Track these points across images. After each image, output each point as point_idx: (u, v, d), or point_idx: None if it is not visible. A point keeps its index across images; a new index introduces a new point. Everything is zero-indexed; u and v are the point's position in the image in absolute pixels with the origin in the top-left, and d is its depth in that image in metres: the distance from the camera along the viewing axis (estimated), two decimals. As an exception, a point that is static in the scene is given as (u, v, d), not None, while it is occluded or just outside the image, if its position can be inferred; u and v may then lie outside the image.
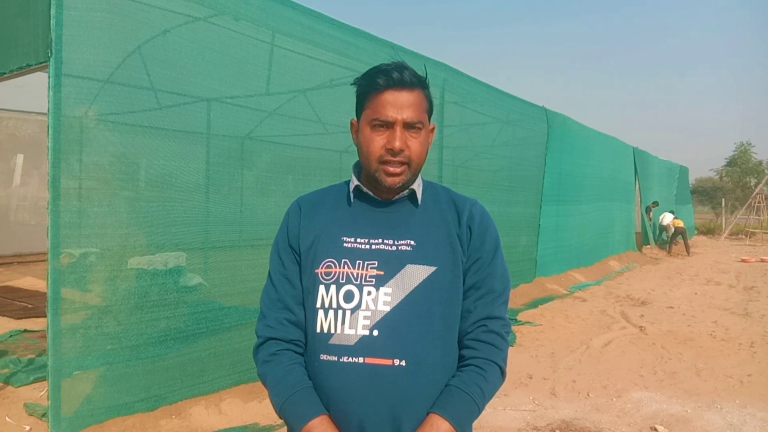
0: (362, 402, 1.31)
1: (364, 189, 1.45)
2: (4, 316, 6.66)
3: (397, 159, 1.36)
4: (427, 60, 6.55)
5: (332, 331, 1.35)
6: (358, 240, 1.39)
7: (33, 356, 5.13)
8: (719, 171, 36.81)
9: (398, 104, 1.35)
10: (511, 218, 8.86)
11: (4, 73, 3.91)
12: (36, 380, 4.55)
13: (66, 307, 3.48)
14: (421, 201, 1.46)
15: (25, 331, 6.04)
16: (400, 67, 1.37)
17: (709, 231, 27.91)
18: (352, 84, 1.47)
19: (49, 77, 3.39)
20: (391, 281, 1.35)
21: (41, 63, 3.52)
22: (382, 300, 1.33)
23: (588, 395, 4.88)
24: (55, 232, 3.39)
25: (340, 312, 1.34)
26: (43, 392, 4.26)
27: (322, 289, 1.37)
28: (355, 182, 1.46)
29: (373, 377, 1.31)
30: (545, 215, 10.01)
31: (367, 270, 1.36)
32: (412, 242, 1.39)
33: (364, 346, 1.31)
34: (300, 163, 5.75)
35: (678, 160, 24.95)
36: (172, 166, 4.34)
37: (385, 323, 1.32)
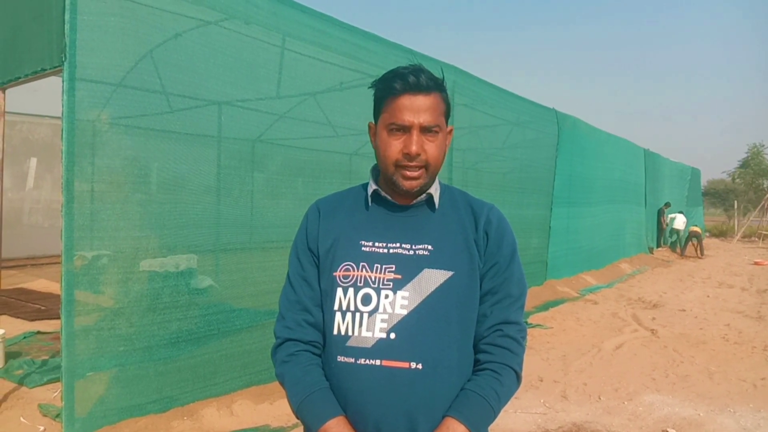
0: (379, 403, 1.32)
1: (383, 193, 1.46)
2: (18, 317, 6.71)
3: (414, 163, 1.36)
4: (437, 63, 6.56)
5: (349, 333, 1.36)
6: (377, 244, 1.41)
7: (46, 357, 5.17)
8: (732, 173, 36.53)
9: (414, 108, 1.35)
10: (521, 220, 8.84)
11: (19, 78, 3.96)
12: (50, 381, 4.58)
13: (79, 309, 3.51)
14: (439, 205, 1.46)
15: (39, 332, 6.09)
16: (417, 70, 1.38)
17: (721, 233, 27.68)
18: (369, 87, 1.47)
19: (63, 81, 3.43)
20: (409, 285, 1.36)
21: (55, 67, 3.57)
22: (399, 303, 1.34)
23: (599, 398, 4.86)
24: (68, 234, 3.43)
25: (357, 315, 1.36)
26: (56, 393, 4.30)
27: (339, 291, 1.39)
28: (373, 186, 1.47)
29: (390, 379, 1.32)
30: (556, 217, 9.97)
31: (384, 274, 1.37)
32: (430, 247, 1.40)
33: (381, 348, 1.33)
34: (310, 165, 5.77)
35: (690, 162, 24.78)
36: (183, 169, 4.37)
37: (402, 326, 1.33)
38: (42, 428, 3.80)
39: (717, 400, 4.83)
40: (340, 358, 1.37)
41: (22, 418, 3.94)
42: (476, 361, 1.42)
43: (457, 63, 7.57)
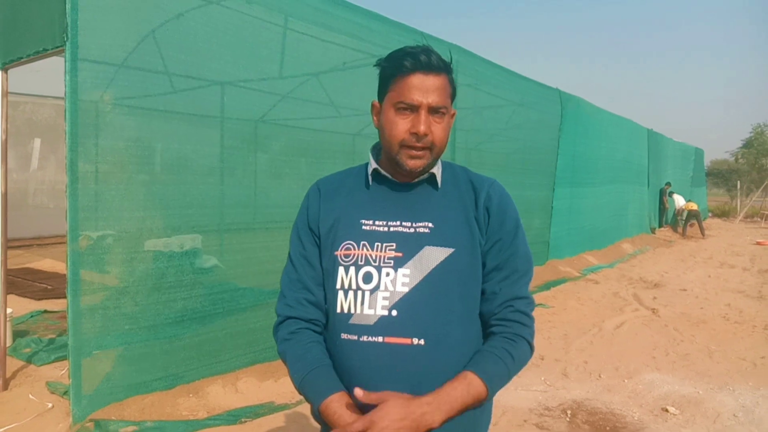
0: (383, 380, 1.33)
1: (383, 172, 1.46)
2: (25, 297, 6.79)
3: (420, 144, 1.36)
4: (440, 42, 6.52)
5: (352, 311, 1.38)
6: (377, 222, 1.42)
7: (53, 336, 5.24)
8: (735, 153, 36.35)
9: (424, 88, 1.35)
10: (524, 201, 8.83)
11: (21, 58, 3.95)
12: (57, 359, 4.65)
13: (85, 289, 3.56)
14: (441, 183, 1.47)
15: (45, 311, 6.17)
16: (427, 50, 1.37)
17: (723, 213, 27.63)
18: (375, 65, 1.45)
19: (65, 62, 3.42)
20: (410, 263, 1.37)
21: (57, 48, 3.56)
22: (400, 281, 1.36)
23: (600, 376, 4.91)
24: (73, 215, 3.45)
25: (359, 293, 1.38)
26: (64, 371, 4.36)
27: (341, 270, 1.40)
28: (373, 165, 1.47)
29: (393, 356, 1.34)
30: (558, 198, 9.97)
31: (385, 252, 1.38)
32: (430, 224, 1.41)
33: (383, 325, 1.35)
34: (313, 146, 5.77)
35: (693, 142, 24.67)
36: (186, 149, 4.39)
37: (404, 303, 1.35)
38: (50, 405, 3.87)
39: (716, 378, 4.88)
40: (344, 336, 1.39)
41: (30, 395, 4.01)
42: (489, 335, 1.44)
43: (461, 44, 7.52)
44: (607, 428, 3.94)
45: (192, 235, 4.38)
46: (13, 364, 4.52)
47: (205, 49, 4.40)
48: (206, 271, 4.41)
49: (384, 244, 1.39)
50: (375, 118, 1.47)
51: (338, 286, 1.41)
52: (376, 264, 1.38)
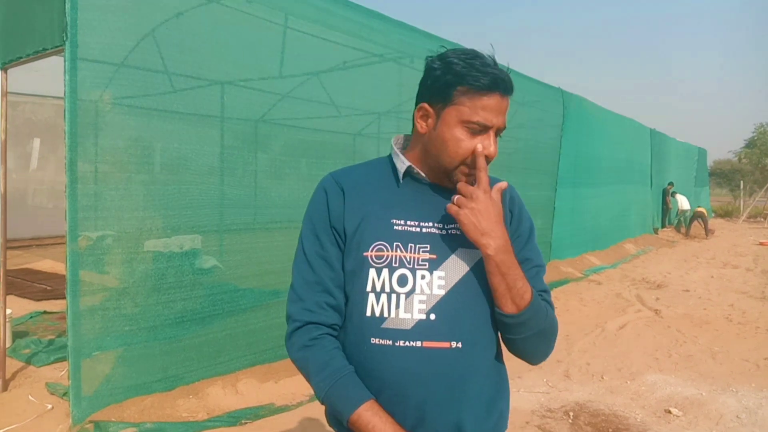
0: (421, 385, 1.30)
1: (416, 170, 1.40)
2: (24, 297, 6.77)
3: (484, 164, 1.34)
4: (442, 41, 6.48)
5: (385, 314, 1.32)
6: (408, 222, 1.37)
7: (53, 337, 5.23)
8: (738, 153, 36.26)
9: (499, 109, 1.31)
10: (526, 201, 8.56)
11: (21, 58, 3.94)
12: (56, 360, 4.64)
13: (85, 289, 3.54)
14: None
15: (45, 312, 6.15)
16: (502, 69, 1.32)
17: (726, 214, 27.57)
18: (429, 64, 1.36)
19: (64, 61, 3.40)
20: (444, 264, 1.34)
21: (57, 47, 3.54)
22: (436, 284, 1.32)
23: (602, 378, 4.88)
24: (72, 215, 3.44)
25: (393, 296, 1.32)
26: (63, 372, 4.35)
27: (372, 272, 1.34)
28: (405, 163, 1.41)
29: (431, 360, 1.30)
30: (560, 198, 9.94)
31: (419, 254, 1.34)
32: None
33: (421, 330, 1.30)
34: (314, 146, 5.75)
35: (696, 142, 24.62)
36: (186, 149, 4.36)
37: (441, 307, 1.32)
38: (50, 406, 3.85)
39: (719, 379, 4.85)
40: (375, 341, 1.32)
41: (30, 396, 3.99)
42: None
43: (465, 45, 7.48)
44: (610, 430, 3.91)
45: (192, 236, 4.36)
46: (12, 365, 4.51)
47: (206, 48, 4.38)
48: (206, 272, 4.39)
49: (418, 246, 1.34)
50: (422, 121, 1.39)
51: (369, 288, 1.34)
52: (411, 266, 1.33)
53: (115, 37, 3.76)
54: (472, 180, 1.34)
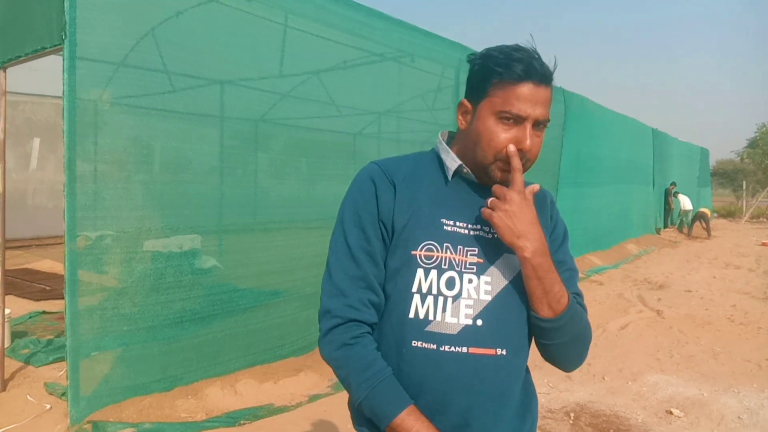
0: (466, 391, 1.27)
1: (466, 170, 1.35)
2: (24, 297, 6.76)
3: (520, 159, 1.28)
4: (443, 41, 6.47)
5: (430, 317, 1.28)
6: (458, 224, 1.32)
7: (52, 337, 5.22)
8: (740, 153, 36.19)
9: (534, 99, 1.25)
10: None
11: (20, 57, 3.92)
12: (55, 360, 4.63)
13: (83, 289, 3.52)
14: None
15: (44, 312, 6.14)
16: (539, 57, 1.26)
17: (729, 214, 27.52)
18: (467, 61, 1.34)
19: (63, 60, 3.39)
20: (490, 269, 1.31)
21: (56, 46, 3.52)
22: (483, 289, 1.29)
23: (603, 378, 4.86)
24: (71, 215, 3.42)
25: (440, 299, 1.28)
26: (62, 372, 4.33)
27: (420, 272, 1.29)
28: (456, 161, 1.36)
29: (477, 367, 1.28)
30: (562, 198, 9.91)
31: (467, 257, 1.30)
32: None
33: (468, 335, 1.27)
34: (314, 145, 5.74)
35: (698, 142, 24.59)
36: (185, 148, 4.36)
37: (488, 313, 1.29)
38: (48, 406, 3.84)
39: (721, 380, 4.83)
40: (416, 343, 1.28)
41: (28, 396, 3.98)
42: None
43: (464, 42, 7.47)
44: (611, 431, 3.89)
45: (191, 236, 4.35)
46: (11, 365, 4.50)
47: (205, 47, 4.37)
48: (205, 272, 4.37)
49: (466, 249, 1.31)
50: (461, 117, 1.36)
51: (414, 289, 1.29)
52: (459, 269, 1.29)
53: (114, 35, 3.75)
54: (508, 176, 1.29)
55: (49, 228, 11.14)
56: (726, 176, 37.76)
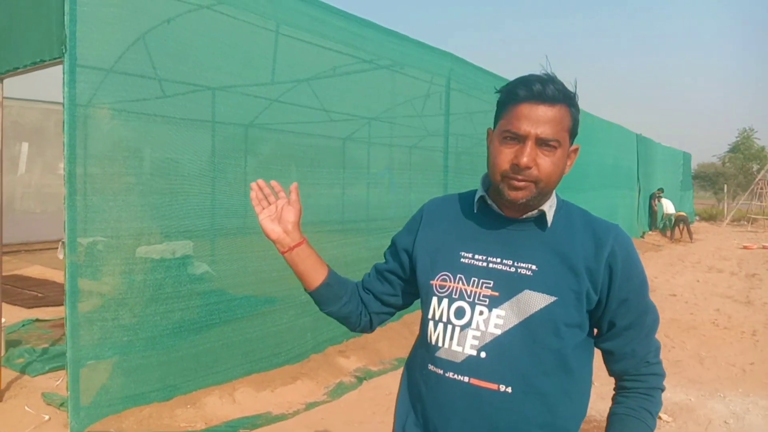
0: (463, 421, 1.31)
1: (489, 201, 1.39)
2: (15, 305, 6.70)
3: (521, 176, 1.27)
4: (433, 50, 6.55)
5: (440, 344, 1.35)
6: (476, 256, 1.36)
7: (47, 345, 5.19)
8: (722, 157, 36.73)
9: (534, 118, 1.26)
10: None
11: (18, 68, 3.93)
12: (51, 369, 4.61)
13: (83, 299, 3.53)
14: (551, 224, 1.37)
15: (37, 320, 6.09)
16: (546, 79, 1.28)
17: (711, 217, 27.90)
18: (496, 92, 1.38)
19: (63, 73, 3.41)
20: (506, 304, 1.30)
21: (55, 59, 3.54)
22: (493, 322, 1.30)
23: (593, 384, 4.94)
24: (71, 226, 3.43)
25: (449, 327, 1.34)
26: (59, 381, 4.34)
27: (434, 301, 1.38)
28: (480, 192, 1.41)
29: (477, 399, 1.29)
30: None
31: (481, 288, 1.32)
32: (534, 266, 1.32)
33: (470, 365, 1.30)
34: (303, 149, 5.79)
35: (680, 146, 24.94)
36: (184, 157, 4.38)
37: (494, 346, 1.29)
38: (47, 417, 3.84)
39: (707, 385, 4.95)
40: (430, 367, 1.37)
41: (27, 407, 3.97)
42: (621, 388, 1.47)
43: (452, 50, 7.56)
44: (602, 436, 3.97)
45: (183, 242, 4.37)
46: (6, 374, 4.47)
47: (199, 55, 4.40)
48: (202, 281, 4.40)
49: (481, 280, 1.33)
50: (488, 145, 1.40)
51: (430, 315, 1.39)
52: (470, 300, 1.33)
53: (113, 49, 3.79)
54: (518, 194, 1.30)
55: (38, 233, 11.02)
56: (707, 179, 38.29)
